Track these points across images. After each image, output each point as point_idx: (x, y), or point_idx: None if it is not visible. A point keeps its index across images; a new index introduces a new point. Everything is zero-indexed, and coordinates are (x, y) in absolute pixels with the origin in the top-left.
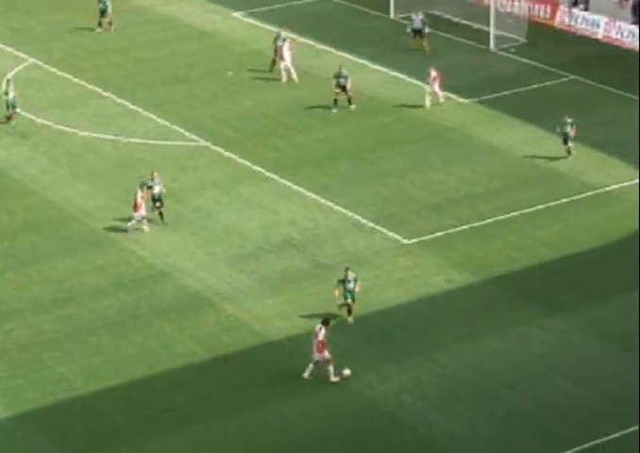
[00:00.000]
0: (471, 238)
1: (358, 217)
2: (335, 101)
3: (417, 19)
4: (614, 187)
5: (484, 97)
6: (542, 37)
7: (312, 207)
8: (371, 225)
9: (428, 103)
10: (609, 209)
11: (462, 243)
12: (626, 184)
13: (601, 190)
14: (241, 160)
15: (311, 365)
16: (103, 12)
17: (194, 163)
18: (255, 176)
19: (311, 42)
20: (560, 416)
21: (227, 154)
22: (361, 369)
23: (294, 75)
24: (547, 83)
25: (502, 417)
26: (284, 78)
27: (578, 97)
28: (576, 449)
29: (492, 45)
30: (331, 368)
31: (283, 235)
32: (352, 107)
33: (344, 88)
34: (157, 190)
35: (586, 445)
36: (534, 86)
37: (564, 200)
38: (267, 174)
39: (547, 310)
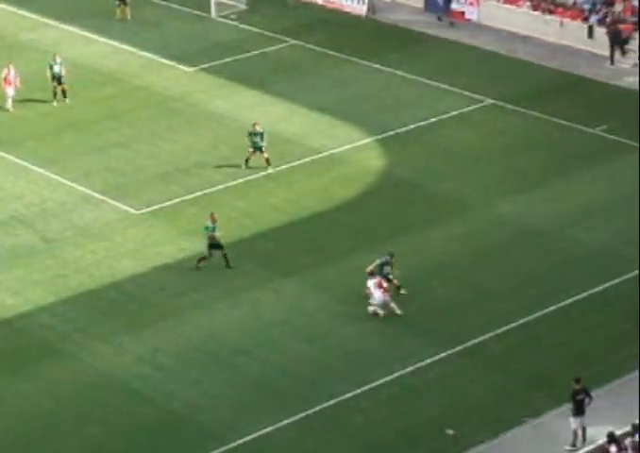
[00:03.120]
0: (201, 206)
1: (85, 190)
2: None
3: None
4: (339, 149)
5: (207, 65)
6: (262, 3)
7: (39, 181)
8: (99, 197)
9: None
10: (335, 172)
11: (192, 212)
12: (349, 146)
13: (326, 153)
14: None
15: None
16: None
17: None
18: None
19: (32, 16)
20: (297, 379)
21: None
22: (95, 342)
23: None
24: (269, 49)
25: (240, 383)
26: None
27: (298, 61)
28: (315, 409)
29: (213, 13)
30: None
31: (10, 211)
32: (67, 100)
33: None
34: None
35: (324, 405)
36: (256, 52)
37: (291, 164)
38: None
39: (280, 275)
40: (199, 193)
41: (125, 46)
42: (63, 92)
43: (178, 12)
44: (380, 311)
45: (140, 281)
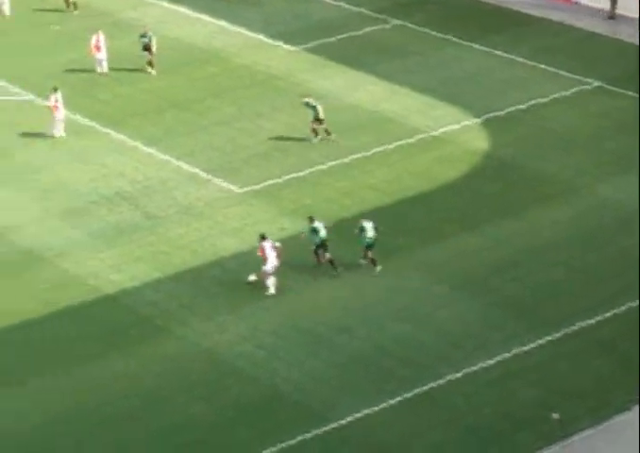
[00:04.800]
0: (301, 185)
1: (189, 168)
2: (150, 63)
3: None
4: (440, 130)
5: (310, 44)
6: None
7: (142, 159)
8: (202, 175)
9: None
10: (436, 153)
11: (292, 191)
12: (451, 127)
13: (428, 133)
14: (67, 113)
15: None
16: None
17: (21, 118)
18: (82, 129)
19: None
20: (398, 359)
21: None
22: (198, 319)
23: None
24: (370, 28)
25: (342, 362)
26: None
27: (400, 41)
28: (416, 391)
29: None
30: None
31: (114, 188)
32: (153, 72)
33: (148, 48)
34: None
35: (426, 387)
36: (358, 32)
37: (392, 145)
38: (96, 127)
39: (381, 255)
40: (300, 173)
41: (227, 25)
42: (150, 63)
43: None
44: (253, 278)
45: (242, 259)
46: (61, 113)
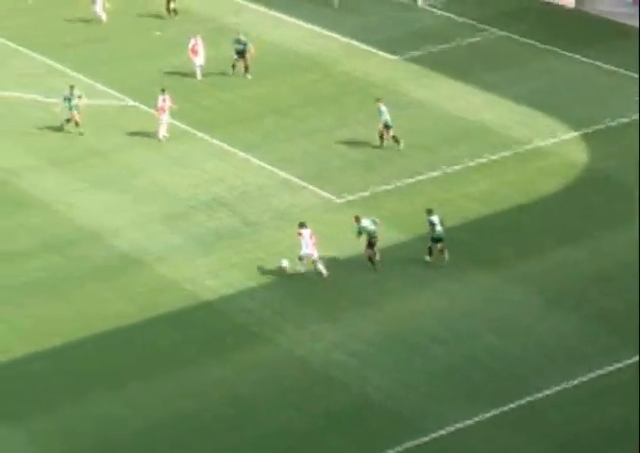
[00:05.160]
0: (399, 195)
1: (286, 175)
2: (233, 67)
3: None
4: (541, 141)
5: (411, 53)
6: None
7: (241, 165)
8: (299, 182)
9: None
10: (536, 164)
11: (390, 201)
12: (551, 138)
13: (528, 144)
14: (169, 120)
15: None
16: None
17: (122, 122)
18: (183, 134)
19: None
20: (493, 372)
21: (153, 112)
22: (292, 327)
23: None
24: (472, 38)
25: (435, 373)
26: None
27: (502, 51)
28: (511, 404)
29: (419, 1)
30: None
31: (212, 193)
32: (249, 76)
33: (242, 54)
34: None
35: (520, 401)
36: (459, 41)
37: (492, 156)
38: (195, 132)
39: (477, 266)
40: (399, 183)
41: (328, 32)
42: (246, 68)
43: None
44: (286, 264)
45: (337, 267)
46: (167, 115)
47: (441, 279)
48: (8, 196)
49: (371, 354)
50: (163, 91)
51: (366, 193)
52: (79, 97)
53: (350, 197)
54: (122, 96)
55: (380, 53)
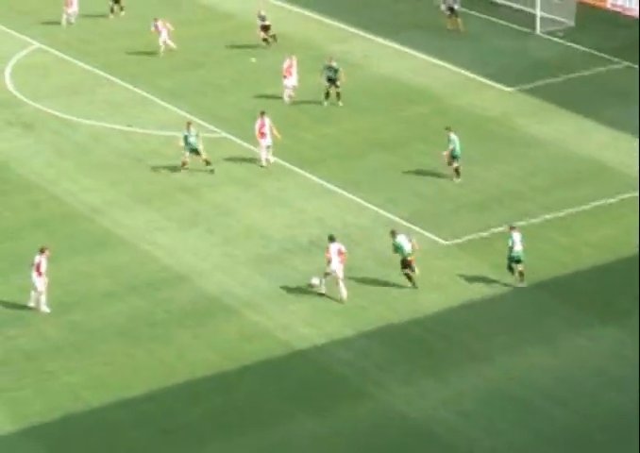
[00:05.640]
0: None
1: (391, 216)
2: (327, 95)
3: None
4: None
5: (529, 85)
6: (591, 19)
7: (342, 204)
8: (405, 224)
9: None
10: None
11: (504, 245)
12: None
13: None
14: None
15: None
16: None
17: (213, 156)
18: (279, 170)
19: (340, 25)
20: (617, 434)
21: (247, 146)
22: (397, 382)
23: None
24: (597, 70)
25: (551, 435)
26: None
27: (627, 85)
28: None
29: (537, 29)
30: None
31: (309, 235)
32: (340, 103)
33: (334, 81)
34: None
35: None
36: (582, 73)
37: (615, 198)
38: (292, 168)
39: (600, 319)
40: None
41: (439, 61)
42: (337, 95)
43: (500, 27)
44: (317, 282)
45: (445, 318)
46: (268, 140)
47: (558, 332)
48: (90, 234)
49: (481, 413)
50: (263, 113)
51: (477, 236)
52: (197, 136)
53: (459, 240)
54: (214, 128)
55: (496, 84)
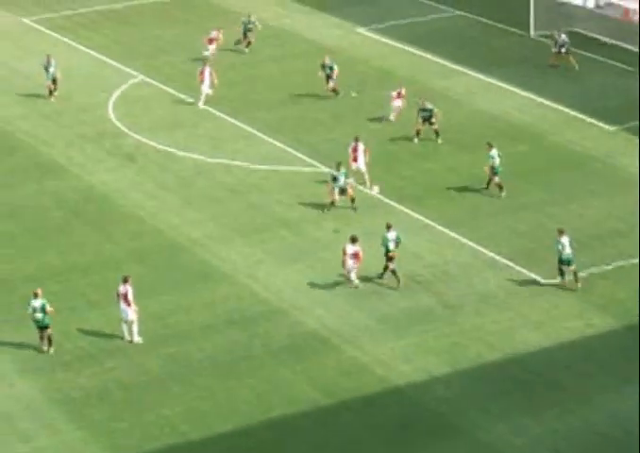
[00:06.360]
0: (615, 278)
1: (490, 253)
2: (417, 132)
3: (563, 36)
4: None
5: (632, 124)
6: None
7: (441, 241)
8: (505, 262)
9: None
10: None
11: (604, 284)
12: None
13: None
14: (364, 189)
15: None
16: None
17: (313, 191)
18: (378, 205)
19: (442, 61)
20: None
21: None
22: (493, 420)
23: None
24: None
25: None
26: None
27: None
28: None
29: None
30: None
31: (408, 271)
32: (439, 141)
33: (429, 120)
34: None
35: None
36: None
37: None
38: (392, 203)
39: None
40: (613, 265)
41: (541, 99)
42: (436, 133)
43: (603, 65)
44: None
45: (543, 357)
46: (361, 163)
47: None
48: (190, 267)
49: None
50: (357, 139)
51: (578, 275)
52: (346, 176)
53: (560, 279)
54: (314, 162)
55: (598, 123)
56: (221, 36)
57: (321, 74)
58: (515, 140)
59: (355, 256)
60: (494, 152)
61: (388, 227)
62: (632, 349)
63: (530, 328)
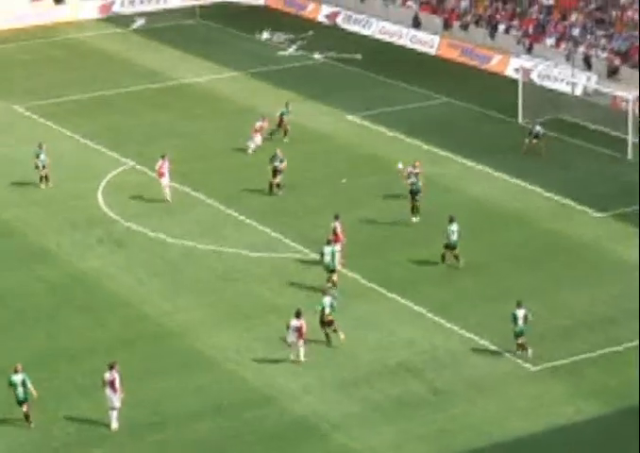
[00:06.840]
0: (604, 365)
1: (480, 340)
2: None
3: (537, 127)
4: None
5: (620, 210)
6: None
7: (431, 327)
8: (494, 349)
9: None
10: None
11: (594, 371)
12: None
13: None
14: (353, 276)
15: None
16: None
17: (300, 279)
18: (368, 292)
19: (432, 148)
20: None
21: (338, 269)
22: None
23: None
24: None
25: None
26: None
27: None
28: None
29: (629, 154)
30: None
31: (398, 358)
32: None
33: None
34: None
35: None
36: None
37: None
38: (382, 290)
39: None
40: (603, 351)
41: (530, 186)
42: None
43: (591, 152)
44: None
45: (531, 443)
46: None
47: None
48: (178, 353)
49: None
50: (336, 217)
51: (566, 361)
52: (332, 254)
53: (548, 365)
54: (303, 249)
55: (587, 209)
56: (266, 125)
57: (270, 166)
58: (505, 227)
59: (298, 330)
60: (453, 228)
61: (324, 292)
62: (623, 435)
63: (519, 415)
